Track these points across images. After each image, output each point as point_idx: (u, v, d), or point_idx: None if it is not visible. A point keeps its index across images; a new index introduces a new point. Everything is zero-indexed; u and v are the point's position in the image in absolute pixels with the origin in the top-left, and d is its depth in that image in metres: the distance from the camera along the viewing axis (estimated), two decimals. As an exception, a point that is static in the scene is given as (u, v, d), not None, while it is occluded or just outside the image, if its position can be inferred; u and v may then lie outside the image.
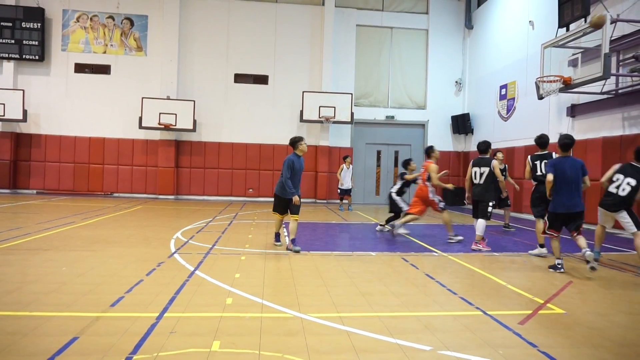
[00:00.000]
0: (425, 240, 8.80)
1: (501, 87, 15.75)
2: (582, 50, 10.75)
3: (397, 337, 3.63)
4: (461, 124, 18.00)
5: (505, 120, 15.47)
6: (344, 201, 14.87)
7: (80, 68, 17.27)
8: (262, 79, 17.90)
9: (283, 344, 3.43)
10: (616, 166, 6.86)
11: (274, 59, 17.85)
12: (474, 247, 7.84)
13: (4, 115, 16.04)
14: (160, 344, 3.36)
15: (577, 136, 11.95)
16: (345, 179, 14.03)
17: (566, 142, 6.35)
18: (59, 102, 17.09)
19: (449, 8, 18.60)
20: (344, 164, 14.12)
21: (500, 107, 15.79)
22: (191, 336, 3.54)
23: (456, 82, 18.66)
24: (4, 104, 16.01)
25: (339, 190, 14.42)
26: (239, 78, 17.82)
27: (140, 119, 16.52)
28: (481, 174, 7.90)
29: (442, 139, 18.49)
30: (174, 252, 6.80)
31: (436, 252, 7.50)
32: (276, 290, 4.92)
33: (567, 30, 10.66)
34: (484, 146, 8.10)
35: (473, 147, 17.63)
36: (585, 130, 11.74)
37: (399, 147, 18.63)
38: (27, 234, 7.92)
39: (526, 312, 4.37)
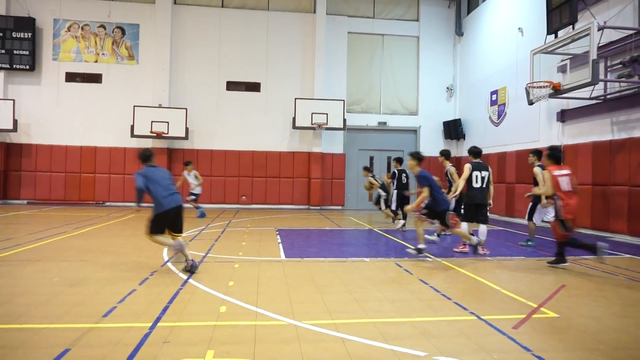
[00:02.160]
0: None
1: (492, 93, 15.90)
2: (570, 56, 10.89)
3: (392, 344, 3.63)
4: (453, 130, 18.12)
5: (497, 126, 15.60)
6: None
7: (71, 77, 17.20)
8: (254, 87, 17.93)
9: (278, 352, 3.42)
10: (540, 171, 8.13)
11: (266, 66, 17.90)
12: (482, 251, 7.92)
13: (-6, 125, 15.91)
14: (153, 354, 3.32)
15: (567, 141, 12.09)
16: (192, 184, 13.10)
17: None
18: (50, 111, 16.98)
19: (439, 15, 18.79)
20: (185, 171, 13.25)
21: (492, 113, 15.93)
22: (185, 346, 3.51)
23: (447, 88, 18.81)
24: (-6, 114, 15.88)
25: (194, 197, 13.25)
26: (231, 86, 17.83)
27: (132, 127, 16.46)
28: (482, 178, 8.01)
29: (434, 145, 18.58)
30: (167, 261, 6.75)
31: (430, 258, 7.52)
32: (270, 298, 4.89)
33: (556, 36, 10.81)
34: (480, 150, 8.44)
35: (465, 153, 17.73)
36: (575, 135, 11.87)
37: (392, 153, 18.68)
38: (17, 245, 7.83)
39: (520, 317, 4.39)
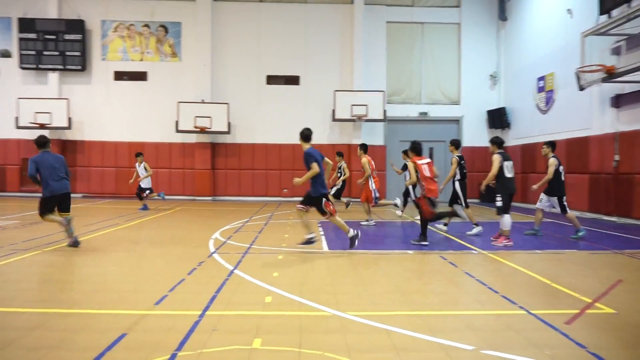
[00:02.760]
0: (464, 238, 8.62)
1: (539, 79, 15.25)
2: (626, 37, 10.26)
3: (437, 336, 3.58)
4: (497, 119, 17.54)
5: (544, 113, 14.97)
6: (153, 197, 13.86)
7: (119, 76, 17.90)
8: (293, 80, 18.02)
9: (323, 342, 3.45)
10: (556, 162, 8.54)
11: (305, 59, 17.94)
12: (508, 242, 7.74)
13: (51, 124, 16.83)
14: (203, 341, 3.44)
15: (623, 128, 11.44)
16: (141, 175, 13.33)
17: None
18: (100, 109, 17.77)
19: (481, 0, 18.15)
20: (136, 162, 13.50)
21: (539, 100, 15.28)
22: (233, 334, 3.61)
23: (491, 75, 18.19)
24: (50, 113, 16.79)
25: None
26: (271, 79, 18.00)
27: (177, 123, 16.97)
28: (512, 167, 7.97)
29: (478, 135, 18.07)
30: (213, 252, 6.95)
31: (475, 250, 7.35)
32: (314, 289, 4.94)
33: (609, 16, 10.22)
34: (503, 140, 8.38)
35: (511, 142, 17.15)
36: (631, 121, 11.19)
37: (434, 144, 18.31)
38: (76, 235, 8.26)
39: (573, 312, 4.22)
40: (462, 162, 9.19)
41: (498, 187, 7.83)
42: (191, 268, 5.84)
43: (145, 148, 17.70)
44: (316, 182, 6.95)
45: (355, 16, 17.64)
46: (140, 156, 13.54)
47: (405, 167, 11.84)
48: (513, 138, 17.11)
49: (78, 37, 17.31)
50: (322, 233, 9.11)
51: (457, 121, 18.32)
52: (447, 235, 8.92)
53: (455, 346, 3.41)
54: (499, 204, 7.74)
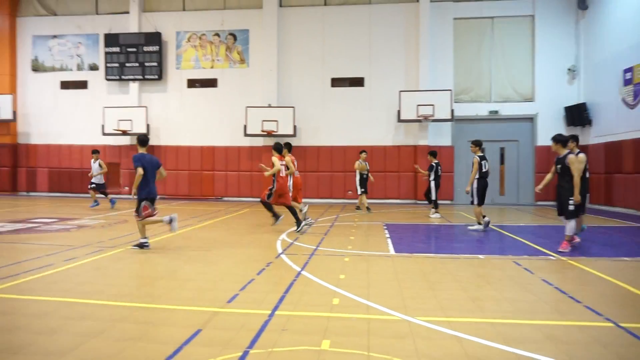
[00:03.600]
0: (539, 242, 8.13)
1: (625, 71, 14.02)
2: None
3: (512, 346, 3.41)
4: (577, 115, 16.35)
5: (632, 108, 13.73)
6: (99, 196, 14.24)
7: (191, 83, 18.90)
8: (358, 82, 17.99)
9: (392, 347, 3.41)
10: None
11: (369, 60, 17.85)
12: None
13: (131, 130, 18.13)
14: (273, 340, 3.53)
15: None
16: (95, 171, 13.81)
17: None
18: (175, 115, 18.87)
19: (558, -11, 17.03)
20: (92, 159, 13.94)
21: (625, 94, 14.05)
22: (302, 334, 3.67)
23: (569, 69, 17.00)
24: (131, 120, 18.10)
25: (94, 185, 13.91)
26: (336, 82, 18.10)
27: (245, 127, 17.58)
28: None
29: (555, 133, 16.90)
30: (281, 253, 7.10)
31: (553, 256, 6.90)
32: (381, 292, 4.89)
33: None
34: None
35: (593, 140, 15.96)
36: None
37: (505, 144, 17.47)
38: (154, 235, 8.83)
39: (670, 326, 3.83)
40: (483, 161, 9.60)
41: (570, 190, 7.10)
42: (260, 268, 6.02)
43: (216, 152, 18.54)
44: (141, 186, 7.38)
45: (420, 15, 17.28)
46: (96, 153, 14.27)
47: (431, 168, 12.44)
48: (595, 136, 15.89)
49: (155, 48, 18.51)
50: (387, 236, 9.00)
51: (530, 119, 17.33)
52: (520, 239, 8.45)
53: (534, 357, 3.22)
54: (571, 207, 7.06)
